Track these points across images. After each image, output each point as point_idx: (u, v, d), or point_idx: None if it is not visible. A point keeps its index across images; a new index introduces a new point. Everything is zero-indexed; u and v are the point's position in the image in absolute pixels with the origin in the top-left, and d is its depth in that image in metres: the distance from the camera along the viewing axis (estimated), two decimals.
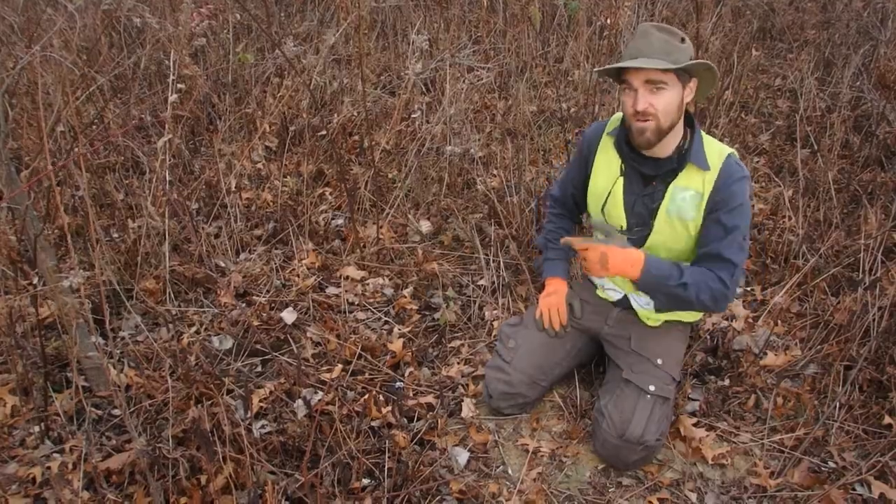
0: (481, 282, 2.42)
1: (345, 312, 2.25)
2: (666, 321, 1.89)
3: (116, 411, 1.92)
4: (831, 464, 1.80)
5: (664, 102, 1.57)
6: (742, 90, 3.68)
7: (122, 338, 2.17)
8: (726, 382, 2.05)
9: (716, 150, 1.69)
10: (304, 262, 2.43)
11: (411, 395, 1.98)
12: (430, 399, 1.97)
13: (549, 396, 2.01)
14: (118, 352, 2.10)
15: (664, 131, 1.62)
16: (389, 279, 2.42)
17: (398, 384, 2.01)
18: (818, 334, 2.16)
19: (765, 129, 3.56)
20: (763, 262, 2.59)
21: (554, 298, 1.95)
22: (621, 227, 1.78)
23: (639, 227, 1.77)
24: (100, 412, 1.93)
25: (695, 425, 1.89)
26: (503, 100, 3.30)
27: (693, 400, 1.98)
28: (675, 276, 1.67)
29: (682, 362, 1.93)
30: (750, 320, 2.27)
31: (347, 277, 2.39)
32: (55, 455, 1.76)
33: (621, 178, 1.77)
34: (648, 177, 1.74)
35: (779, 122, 3.59)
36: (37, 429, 1.82)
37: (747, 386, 2.04)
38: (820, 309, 2.30)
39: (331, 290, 2.35)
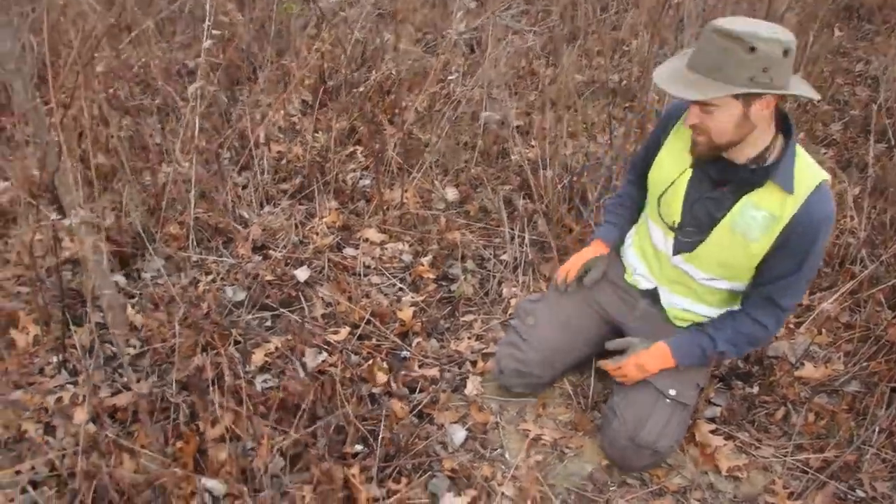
0: (504, 256, 2.33)
1: (359, 275, 2.21)
2: (696, 323, 1.72)
3: (130, 350, 1.96)
4: (860, 492, 1.67)
5: (716, 123, 1.38)
6: (817, 73, 3.39)
7: (144, 279, 2.20)
8: (755, 390, 1.92)
9: (808, 173, 1.44)
10: (324, 220, 2.39)
11: (416, 366, 1.93)
12: (434, 372, 1.92)
13: (559, 384, 1.93)
14: (138, 293, 2.13)
15: (719, 148, 1.44)
16: (409, 245, 2.36)
17: (404, 353, 1.97)
18: (866, 349, 1.99)
19: (837, 119, 3.28)
20: None
21: (576, 257, 1.85)
22: (673, 222, 1.61)
23: (692, 230, 1.58)
24: (115, 349, 1.96)
25: (713, 432, 1.77)
26: (551, 67, 3.14)
27: (715, 405, 1.86)
28: (708, 346, 1.60)
29: (710, 367, 1.80)
30: (791, 326, 2.11)
31: (367, 240, 2.35)
32: (68, 386, 1.81)
33: (690, 171, 1.57)
34: (719, 180, 1.53)
35: (854, 111, 3.31)
36: (55, 359, 1.87)
37: (777, 397, 1.90)
38: (872, 322, 2.12)
39: (348, 251, 2.31)
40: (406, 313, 2.05)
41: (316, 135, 2.79)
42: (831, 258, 2.39)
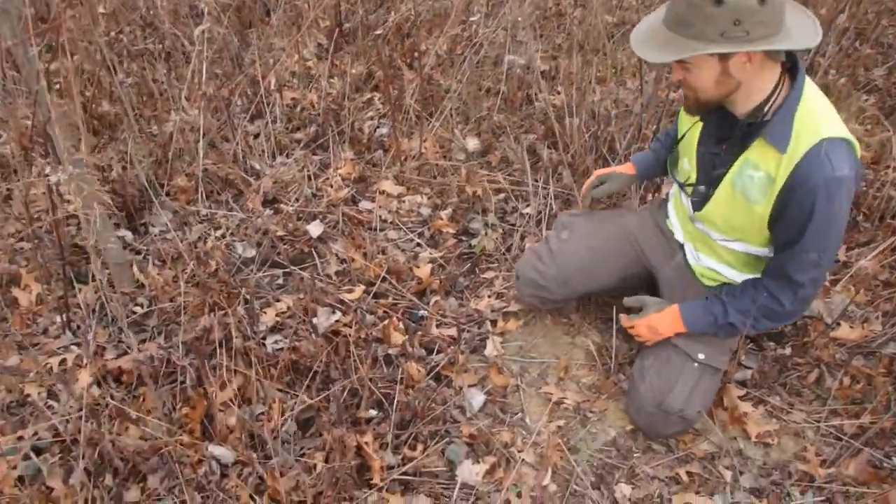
0: (527, 210, 2.15)
1: (375, 230, 2.05)
2: (726, 283, 1.55)
3: (138, 308, 1.84)
4: None
5: (696, 81, 1.23)
6: (861, 14, 3.06)
7: (151, 234, 2.06)
8: (787, 351, 1.76)
9: (809, 128, 1.21)
10: (339, 171, 2.21)
11: (434, 326, 1.79)
12: (452, 332, 1.78)
13: (584, 344, 1.78)
14: (145, 248, 2.00)
15: (708, 103, 1.28)
16: (428, 198, 2.18)
17: (421, 312, 1.83)
18: None
19: (881, 63, 2.97)
20: (854, 218, 2.19)
21: (599, 171, 1.74)
22: (687, 178, 1.48)
23: (702, 186, 1.43)
24: (120, 309, 1.84)
25: (742, 397, 1.62)
26: (580, 7, 2.85)
27: (746, 367, 1.71)
28: (720, 316, 1.43)
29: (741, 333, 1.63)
30: (826, 283, 1.92)
31: (383, 192, 2.17)
32: (73, 347, 1.70)
33: (700, 123, 1.42)
34: (718, 136, 1.38)
35: None
36: (59, 319, 1.76)
37: (811, 359, 1.74)
38: None
39: (364, 204, 2.14)
40: (423, 271, 1.89)
41: (331, 81, 2.58)
42: (871, 211, 2.17)
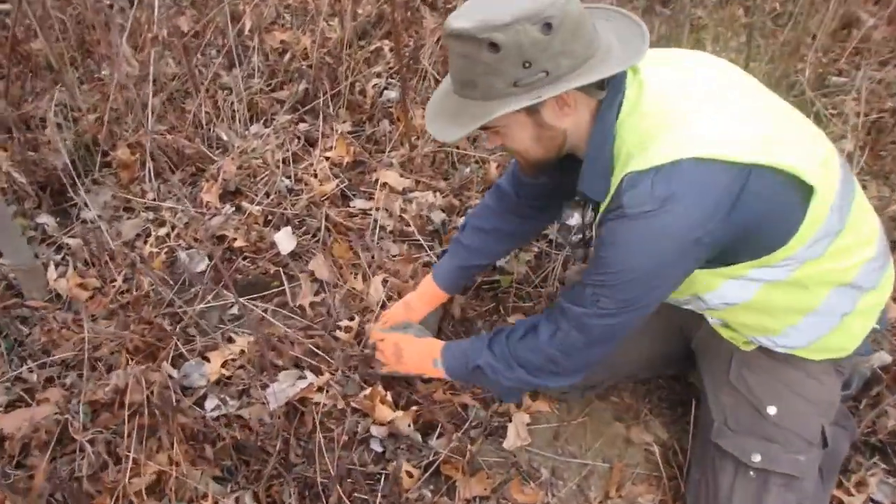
0: (570, 221, 1.52)
1: (374, 241, 1.45)
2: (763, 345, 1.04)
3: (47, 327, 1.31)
4: None
5: (513, 143, 0.97)
6: None
7: (82, 220, 1.50)
8: None
9: (621, 162, 0.89)
10: (328, 153, 1.59)
11: (440, 391, 1.24)
12: (464, 399, 1.23)
13: (642, 441, 1.22)
14: (68, 245, 1.44)
15: (542, 163, 1.00)
16: (443, 196, 1.56)
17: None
18: None
19: None
20: None
21: (401, 308, 1.26)
22: None
23: None
24: (26, 330, 1.32)
25: None
26: None
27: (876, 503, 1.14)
28: (471, 358, 1.09)
29: (832, 414, 1.06)
30: None
31: (385, 185, 1.55)
32: None
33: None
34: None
35: None
36: None
37: None
38: None
39: (358, 202, 1.53)
40: None
41: (330, 22, 1.90)
42: None
